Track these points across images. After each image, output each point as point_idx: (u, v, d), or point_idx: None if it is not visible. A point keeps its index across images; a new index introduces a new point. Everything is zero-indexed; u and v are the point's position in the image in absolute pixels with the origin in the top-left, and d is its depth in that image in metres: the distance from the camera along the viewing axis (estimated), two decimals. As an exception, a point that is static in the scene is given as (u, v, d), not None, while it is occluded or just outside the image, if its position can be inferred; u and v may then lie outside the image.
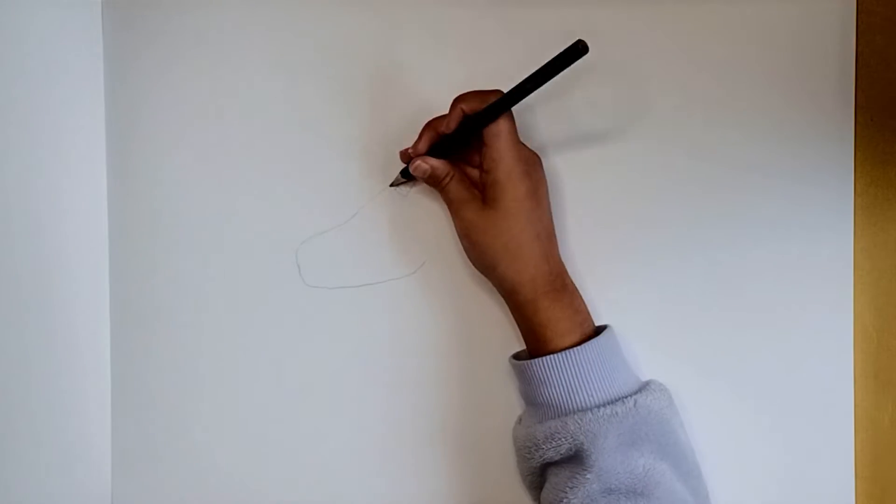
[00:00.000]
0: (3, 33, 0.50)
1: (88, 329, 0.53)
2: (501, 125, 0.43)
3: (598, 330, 0.45)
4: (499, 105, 0.43)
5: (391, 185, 0.50)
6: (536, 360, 0.43)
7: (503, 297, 0.46)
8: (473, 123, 0.44)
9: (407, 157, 0.48)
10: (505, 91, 0.43)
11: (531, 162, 0.45)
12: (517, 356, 0.47)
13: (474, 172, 0.47)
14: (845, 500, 0.47)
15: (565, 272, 0.46)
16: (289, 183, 0.52)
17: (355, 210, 0.51)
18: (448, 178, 0.46)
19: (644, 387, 0.45)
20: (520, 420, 0.47)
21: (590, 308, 0.46)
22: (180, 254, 0.53)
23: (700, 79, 0.49)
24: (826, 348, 0.48)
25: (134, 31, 0.53)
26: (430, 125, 0.47)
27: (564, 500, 0.41)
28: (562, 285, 0.45)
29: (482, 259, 0.45)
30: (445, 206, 0.48)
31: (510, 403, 0.50)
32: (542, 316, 0.44)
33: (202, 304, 0.52)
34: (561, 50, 0.39)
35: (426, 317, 0.51)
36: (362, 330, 0.51)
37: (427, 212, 0.50)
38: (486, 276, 0.47)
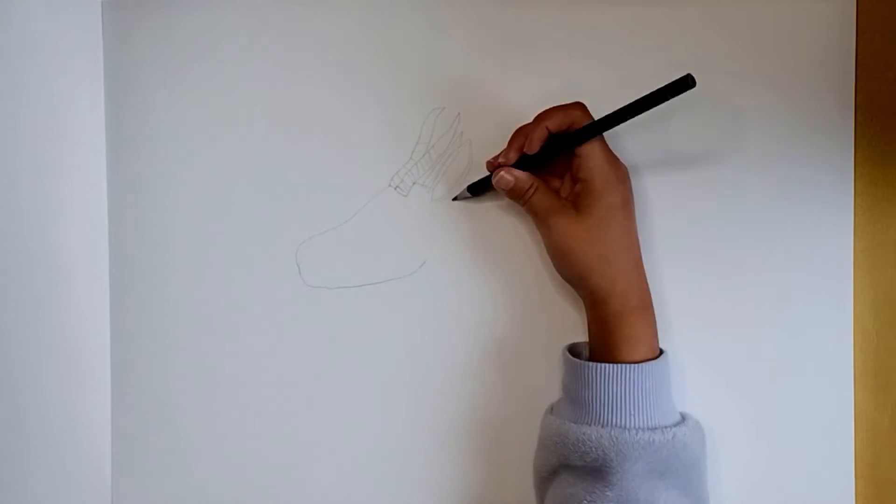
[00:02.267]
0: (3, 33, 0.50)
1: (88, 329, 0.53)
2: (598, 142, 0.43)
3: (657, 352, 0.45)
4: (592, 127, 0.43)
5: (454, 199, 0.50)
6: (600, 365, 0.43)
7: (589, 306, 0.45)
8: (560, 144, 0.44)
9: (492, 165, 0.47)
10: (584, 102, 0.44)
11: (623, 173, 0.45)
12: (573, 350, 0.47)
13: (556, 183, 0.47)
14: (845, 501, 0.47)
15: (647, 286, 0.45)
16: (289, 183, 0.52)
17: (355, 210, 0.51)
18: (532, 190, 0.45)
19: (683, 420, 0.44)
20: (551, 409, 0.47)
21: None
22: (180, 254, 0.53)
23: (700, 79, 0.49)
24: (826, 348, 0.48)
25: (134, 31, 0.53)
26: (520, 132, 0.46)
27: None
28: (648, 301, 0.44)
29: (575, 268, 0.44)
30: (455, 210, 0.48)
31: (511, 402, 0.50)
32: (627, 331, 0.43)
33: (202, 304, 0.52)
34: (673, 81, 0.40)
35: (426, 317, 0.51)
36: (362, 330, 0.51)
37: (427, 212, 0.50)
38: (574, 285, 0.45)
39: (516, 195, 0.46)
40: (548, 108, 0.44)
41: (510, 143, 0.46)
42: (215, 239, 0.52)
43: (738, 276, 0.48)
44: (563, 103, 0.44)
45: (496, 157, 0.47)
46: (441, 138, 0.50)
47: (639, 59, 0.49)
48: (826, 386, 0.48)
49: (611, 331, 0.43)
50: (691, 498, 0.42)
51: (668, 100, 0.40)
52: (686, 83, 0.39)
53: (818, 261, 0.48)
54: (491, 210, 0.50)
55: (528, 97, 0.50)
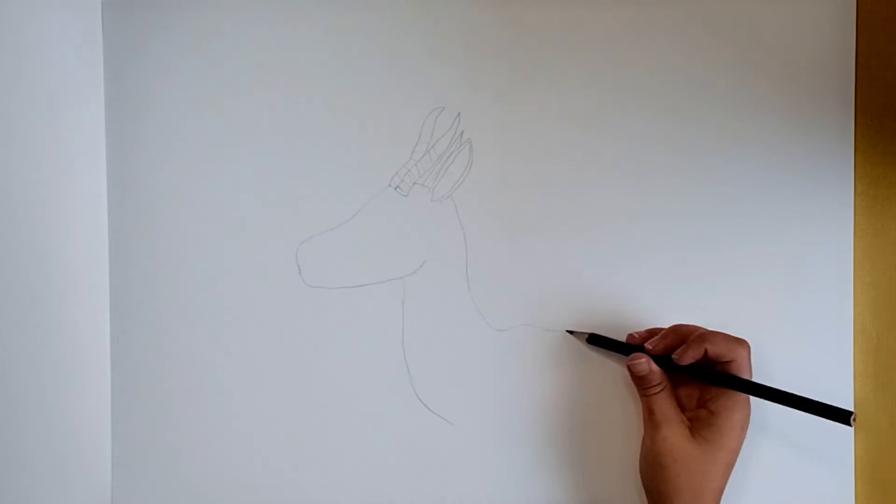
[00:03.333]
0: (3, 33, 0.50)
1: (88, 329, 0.53)
2: (750, 399, 0.43)
3: None
4: (744, 387, 0.43)
5: (588, 340, 0.49)
6: None
7: None
8: (710, 373, 0.44)
9: (636, 340, 0.47)
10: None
11: (747, 420, 0.44)
12: None
13: (681, 389, 0.46)
14: (845, 501, 0.47)
15: None
16: (289, 183, 0.52)
17: (355, 210, 0.51)
18: (658, 389, 0.45)
19: None
20: None
21: (588, 306, 0.46)
22: (180, 254, 0.53)
23: (700, 78, 0.49)
24: (826, 348, 0.48)
25: (134, 31, 0.53)
26: (677, 331, 0.45)
27: None
28: None
29: (659, 483, 0.43)
30: (450, 210, 0.48)
31: (512, 399, 0.50)
32: None
33: (202, 304, 0.52)
34: (833, 406, 0.41)
35: (426, 317, 0.51)
36: (362, 330, 0.51)
37: (427, 212, 0.50)
38: (646, 489, 0.45)
39: (641, 384, 0.45)
40: (716, 331, 0.44)
41: (665, 335, 0.45)
42: (215, 239, 0.52)
43: (737, 276, 0.48)
44: (733, 335, 0.44)
45: (642, 335, 0.47)
46: (441, 138, 0.50)
47: (639, 58, 0.49)
48: (826, 386, 0.48)
49: None
50: None
51: (820, 416, 0.42)
52: (845, 417, 0.41)
53: (818, 261, 0.48)
54: (491, 210, 0.50)
55: (528, 98, 0.50)
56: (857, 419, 0.46)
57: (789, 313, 0.48)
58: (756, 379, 0.48)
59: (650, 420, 0.45)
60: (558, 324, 0.49)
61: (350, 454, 0.51)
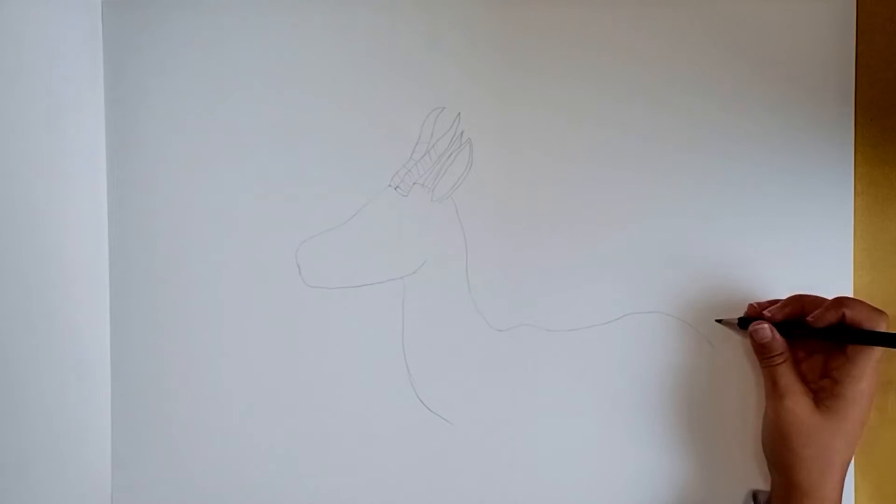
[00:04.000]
0: (3, 33, 0.50)
1: (88, 329, 0.53)
2: (877, 352, 0.42)
3: None
4: (888, 340, 0.41)
5: (717, 320, 0.48)
6: None
7: (779, 490, 0.44)
8: (848, 334, 0.42)
9: (756, 311, 0.46)
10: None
11: (875, 389, 0.43)
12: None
13: (805, 363, 0.45)
14: (845, 501, 0.47)
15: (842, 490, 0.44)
16: (289, 183, 0.52)
17: (355, 210, 0.51)
18: (781, 359, 0.44)
19: None
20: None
21: (594, 305, 0.46)
22: (180, 254, 0.53)
23: (700, 78, 0.49)
24: (826, 348, 0.48)
25: (134, 31, 0.53)
26: (798, 300, 0.45)
27: None
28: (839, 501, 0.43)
29: (785, 457, 0.43)
30: (450, 210, 0.48)
31: (513, 397, 0.50)
32: None
33: (202, 304, 0.52)
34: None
35: (426, 317, 0.51)
36: (362, 330, 0.51)
37: (427, 212, 0.50)
38: (772, 467, 0.45)
39: (764, 353, 0.45)
40: (855, 298, 0.43)
41: (785, 304, 0.45)
42: (215, 239, 0.52)
43: (737, 276, 0.48)
44: (873, 305, 0.42)
45: (762, 304, 0.46)
46: (441, 138, 0.50)
47: (638, 58, 0.49)
48: (826, 386, 0.48)
49: None
50: None
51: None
52: None
53: (818, 261, 0.48)
54: (491, 210, 0.50)
55: (528, 98, 0.50)
56: None
57: (789, 313, 0.48)
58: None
59: (773, 391, 0.44)
60: (558, 324, 0.49)
61: (350, 454, 0.51)
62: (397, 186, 0.51)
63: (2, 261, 0.50)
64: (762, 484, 0.48)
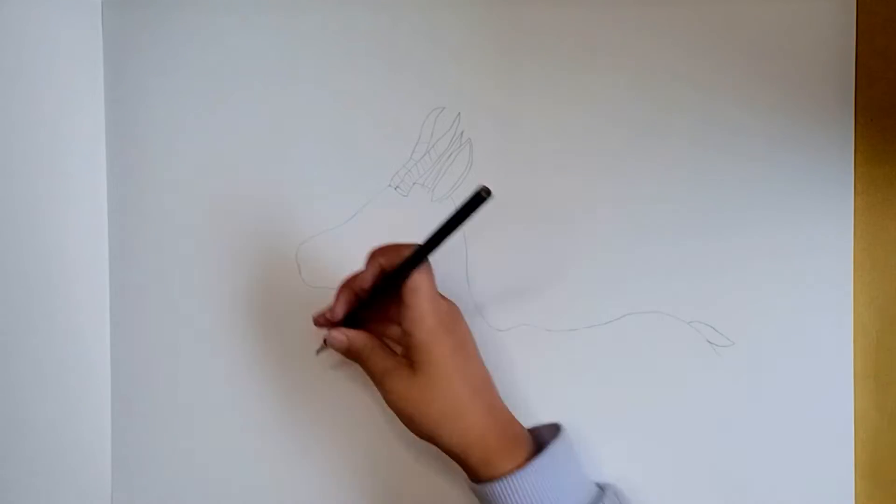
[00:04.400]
0: (3, 33, 0.50)
1: (88, 329, 0.53)
2: (419, 280, 0.40)
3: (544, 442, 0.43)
4: (414, 257, 0.40)
5: (317, 352, 0.48)
6: (487, 485, 0.41)
7: (454, 459, 0.42)
8: (391, 279, 0.41)
9: (323, 322, 0.45)
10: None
11: (452, 315, 0.43)
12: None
13: (395, 330, 0.44)
14: (845, 501, 0.47)
15: (512, 417, 0.43)
16: (289, 183, 0.52)
17: (355, 210, 0.51)
18: (367, 351, 0.43)
19: (596, 502, 0.42)
20: None
21: (594, 305, 0.46)
22: (180, 254, 0.53)
23: (700, 79, 0.49)
24: (826, 348, 0.48)
25: (134, 31, 0.53)
26: (346, 284, 0.44)
27: None
28: (513, 434, 0.42)
29: (421, 429, 0.41)
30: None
31: (513, 402, 0.50)
32: (500, 469, 0.41)
33: (202, 304, 0.52)
34: (468, 198, 0.38)
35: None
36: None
37: (427, 212, 0.50)
38: (431, 443, 0.42)
39: (353, 356, 0.44)
40: (386, 245, 0.42)
41: (337, 296, 0.44)
42: (215, 239, 0.52)
43: (737, 276, 0.48)
44: (400, 242, 0.42)
45: (321, 314, 0.45)
46: (441, 138, 0.50)
47: (638, 58, 0.49)
48: (826, 386, 0.48)
49: (483, 477, 0.41)
50: None
51: (470, 215, 0.38)
52: (481, 197, 0.37)
53: (818, 261, 0.48)
54: (491, 210, 0.50)
55: (528, 97, 0.50)
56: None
57: (789, 313, 0.48)
58: (755, 378, 0.48)
59: (374, 381, 0.42)
60: (558, 324, 0.49)
61: (350, 454, 0.51)
62: (397, 186, 0.51)
63: (1, 261, 0.50)
64: (759, 483, 0.48)
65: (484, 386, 0.43)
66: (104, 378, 0.53)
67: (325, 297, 0.51)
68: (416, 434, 0.42)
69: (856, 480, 0.47)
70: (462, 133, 0.50)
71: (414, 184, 0.51)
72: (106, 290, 0.53)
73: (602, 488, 0.44)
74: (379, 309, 0.44)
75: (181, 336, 0.53)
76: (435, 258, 0.51)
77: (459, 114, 0.50)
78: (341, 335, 0.43)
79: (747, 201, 0.48)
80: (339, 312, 0.44)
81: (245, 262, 0.52)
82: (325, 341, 0.45)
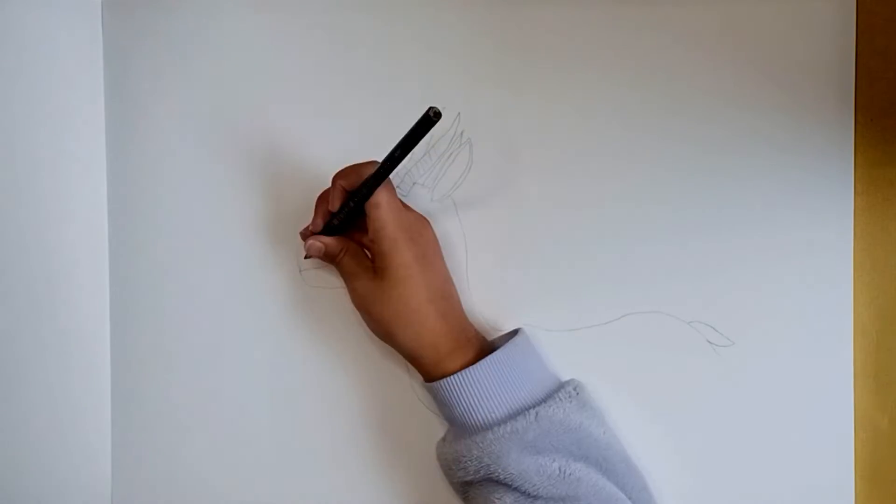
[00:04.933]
0: (3, 33, 0.50)
1: (88, 329, 0.53)
2: (380, 196, 0.43)
3: (504, 340, 0.46)
4: (373, 178, 0.43)
5: (300, 270, 0.51)
6: (437, 382, 0.44)
7: (410, 363, 0.46)
8: (356, 198, 0.44)
9: (306, 234, 0.48)
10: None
11: (417, 226, 0.45)
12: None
13: (368, 239, 0.46)
14: (845, 500, 0.47)
15: (469, 325, 0.46)
16: (289, 183, 0.52)
17: (355, 210, 0.51)
18: (342, 254, 0.46)
19: (552, 394, 0.44)
20: (443, 438, 0.47)
21: (594, 305, 0.47)
22: (180, 254, 0.53)
23: (700, 79, 0.49)
24: (826, 348, 0.48)
25: (134, 31, 0.53)
26: (322, 199, 0.47)
27: None
28: (465, 340, 0.45)
29: (378, 329, 0.45)
30: (450, 210, 0.48)
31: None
32: (446, 370, 0.44)
33: (202, 303, 0.52)
34: (418, 118, 0.40)
35: (426, 317, 0.51)
36: (362, 330, 0.51)
37: (427, 212, 0.50)
38: (388, 343, 0.46)
39: (329, 260, 0.47)
40: (346, 167, 0.45)
41: (316, 209, 0.48)
42: (215, 239, 0.52)
43: (737, 276, 0.48)
44: (359, 162, 0.45)
45: (306, 228, 0.48)
46: (441, 138, 0.50)
47: (638, 57, 0.49)
48: (826, 386, 0.48)
49: (438, 375, 0.44)
50: (586, 459, 0.43)
51: (423, 135, 0.40)
52: (430, 118, 0.39)
53: (818, 261, 0.48)
54: (491, 210, 0.50)
55: (528, 97, 0.50)
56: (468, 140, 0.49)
57: (789, 313, 0.48)
58: (755, 379, 0.48)
59: (345, 282, 0.47)
60: (558, 324, 0.49)
61: (350, 454, 0.51)
62: (397, 186, 0.51)
63: (2, 261, 0.50)
64: (759, 483, 0.48)
65: (441, 295, 0.45)
66: (104, 378, 0.53)
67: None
68: (375, 334, 0.47)
69: (856, 480, 0.47)
70: (462, 133, 0.50)
71: (414, 184, 0.51)
72: (106, 290, 0.53)
73: (564, 384, 0.46)
74: (356, 221, 0.46)
75: (181, 336, 0.53)
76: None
77: (459, 114, 0.50)
78: (318, 242, 0.46)
79: (747, 201, 0.48)
80: (319, 224, 0.47)
81: (245, 263, 0.52)
82: (305, 254, 0.48)
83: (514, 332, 0.47)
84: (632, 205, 0.49)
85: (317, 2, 0.51)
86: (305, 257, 0.48)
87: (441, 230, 0.50)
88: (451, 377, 0.43)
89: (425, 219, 0.47)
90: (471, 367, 0.43)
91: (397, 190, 0.51)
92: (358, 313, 0.47)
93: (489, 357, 0.43)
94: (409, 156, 0.47)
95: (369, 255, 0.47)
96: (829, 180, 0.48)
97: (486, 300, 0.50)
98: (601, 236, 0.49)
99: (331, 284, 0.51)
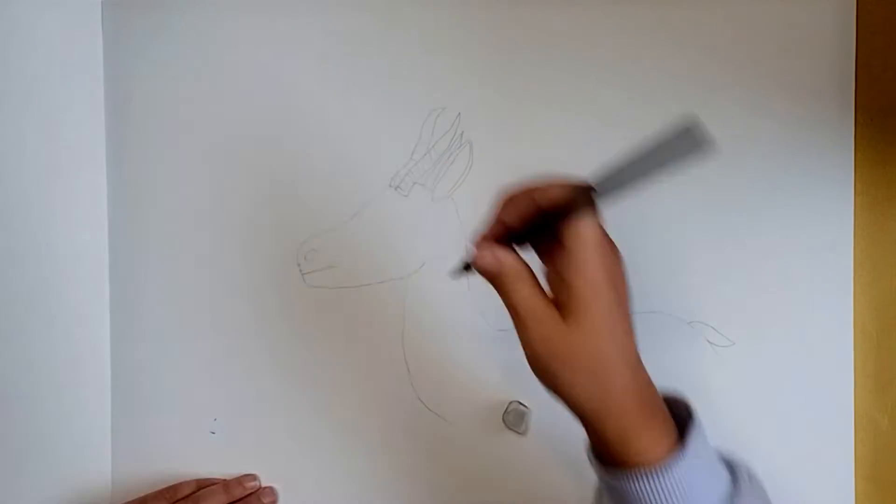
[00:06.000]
0: (3, 33, 0.50)
1: (89, 329, 0.53)
2: (586, 226, 0.35)
3: (681, 423, 0.38)
4: (583, 200, 0.35)
5: (453, 275, 0.40)
6: (630, 476, 0.35)
7: (580, 420, 0.37)
8: (551, 220, 0.36)
9: (480, 242, 0.39)
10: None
11: (615, 263, 0.37)
12: (599, 456, 0.38)
13: (548, 271, 0.38)
14: (845, 500, 0.47)
15: (654, 389, 0.38)
16: (289, 183, 0.52)
17: (355, 210, 0.51)
18: (519, 283, 0.36)
19: (736, 482, 0.37)
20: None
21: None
22: (180, 255, 0.53)
23: (700, 79, 0.49)
24: (826, 348, 0.48)
25: (134, 31, 0.53)
26: (512, 201, 0.38)
27: None
28: (652, 409, 0.36)
29: (557, 382, 0.36)
30: (450, 210, 0.48)
31: (507, 400, 0.50)
32: (633, 447, 0.35)
33: (203, 304, 0.52)
34: (672, 134, 0.32)
35: (426, 317, 0.51)
36: (362, 330, 0.51)
37: (427, 212, 0.50)
38: (557, 395, 0.37)
39: (499, 283, 0.37)
40: (548, 181, 0.37)
41: (499, 210, 0.38)
42: (215, 239, 0.52)
43: (737, 276, 0.48)
44: (571, 181, 0.36)
45: (481, 237, 0.38)
46: (441, 139, 0.50)
47: (639, 58, 0.49)
48: (826, 386, 0.48)
49: (615, 447, 0.36)
50: None
51: (676, 161, 0.33)
52: (693, 136, 0.31)
53: (818, 261, 0.48)
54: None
55: (528, 98, 0.50)
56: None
57: (789, 313, 0.48)
58: (755, 379, 0.48)
59: (517, 319, 0.36)
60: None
61: (350, 454, 0.51)
62: (397, 186, 0.51)
63: (1, 261, 0.50)
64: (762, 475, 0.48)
65: (632, 346, 0.37)
66: (104, 378, 0.53)
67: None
68: (548, 386, 0.37)
69: (856, 480, 0.47)
70: (462, 133, 0.50)
71: (414, 184, 0.51)
72: (106, 290, 0.53)
73: (732, 469, 0.38)
74: (538, 239, 0.38)
75: (181, 336, 0.53)
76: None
77: (459, 114, 0.50)
78: (492, 256, 0.37)
79: (747, 201, 0.48)
80: (498, 232, 0.38)
81: (245, 263, 0.52)
82: (465, 264, 0.39)
83: (681, 402, 0.40)
84: (632, 205, 0.49)
85: (317, 2, 0.51)
86: (457, 273, 0.39)
87: (441, 230, 0.50)
88: (659, 475, 0.34)
89: (618, 250, 0.39)
90: (677, 462, 0.35)
91: (397, 190, 0.51)
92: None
93: (689, 449, 0.35)
94: (409, 156, 0.47)
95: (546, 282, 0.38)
96: (829, 180, 0.48)
97: (486, 300, 0.50)
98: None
99: (331, 284, 0.51)
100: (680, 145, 0.32)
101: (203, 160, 0.52)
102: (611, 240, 0.38)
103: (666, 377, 0.48)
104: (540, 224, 0.36)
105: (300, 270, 0.52)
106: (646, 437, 0.36)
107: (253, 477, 0.51)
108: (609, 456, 0.36)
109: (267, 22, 0.52)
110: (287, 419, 0.52)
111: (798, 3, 0.48)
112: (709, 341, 0.49)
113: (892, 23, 0.48)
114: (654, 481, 0.35)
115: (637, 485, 0.35)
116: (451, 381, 0.50)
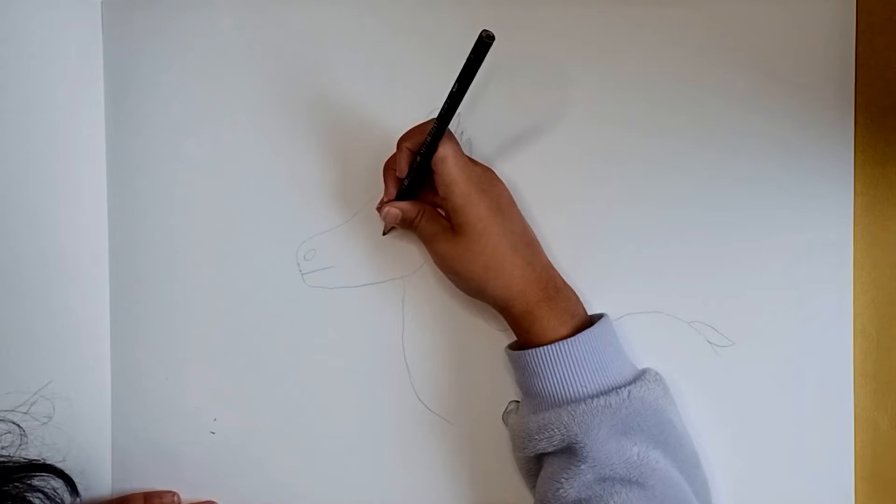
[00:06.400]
0: (4, 33, 0.50)
1: (88, 329, 0.53)
2: (445, 149, 0.43)
3: (594, 320, 0.45)
4: (435, 131, 0.43)
5: (384, 234, 0.51)
6: (530, 350, 0.43)
7: (499, 312, 0.46)
8: (422, 159, 0.44)
9: (381, 204, 0.48)
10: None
11: (485, 177, 0.45)
12: (512, 346, 0.47)
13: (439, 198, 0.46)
14: (845, 500, 0.47)
15: (555, 273, 0.46)
16: (289, 183, 0.52)
17: (355, 210, 0.51)
18: (419, 217, 0.46)
19: (639, 377, 0.44)
20: (515, 409, 0.48)
21: (588, 305, 0.47)
22: (180, 255, 0.53)
23: (700, 79, 0.49)
24: (826, 348, 0.48)
25: (134, 31, 0.53)
26: (389, 167, 0.47)
27: (560, 490, 0.42)
28: (554, 289, 0.45)
29: (468, 285, 0.45)
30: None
31: (507, 400, 0.50)
32: (539, 325, 0.44)
33: (202, 304, 0.52)
34: (470, 48, 0.39)
35: (426, 317, 0.51)
36: (362, 330, 0.51)
37: (427, 212, 0.51)
38: (478, 299, 0.47)
39: (407, 225, 0.47)
40: (410, 129, 0.45)
41: (385, 179, 0.48)
42: (215, 239, 0.52)
43: (738, 276, 0.48)
44: (420, 123, 0.45)
45: (379, 200, 0.48)
46: (441, 138, 0.50)
47: (639, 58, 0.49)
48: (826, 386, 0.48)
49: (524, 327, 0.44)
50: (664, 447, 0.43)
51: (479, 65, 0.40)
52: (483, 41, 0.38)
53: (818, 261, 0.48)
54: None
55: (528, 98, 0.50)
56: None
57: (789, 313, 0.48)
58: (755, 379, 0.48)
59: (426, 245, 0.47)
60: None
61: (349, 454, 0.51)
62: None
63: (2, 261, 0.50)
64: (759, 483, 0.48)
65: (524, 242, 0.45)
66: (104, 377, 0.53)
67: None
68: (465, 292, 0.47)
69: (856, 481, 0.47)
70: (462, 133, 0.50)
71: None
72: (106, 290, 0.53)
73: (645, 370, 0.46)
74: (425, 182, 0.46)
75: (181, 336, 0.53)
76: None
77: (459, 114, 0.50)
78: (394, 208, 0.47)
79: (747, 201, 0.48)
80: (392, 192, 0.47)
81: (245, 263, 0.52)
82: (385, 223, 0.49)
83: (596, 316, 0.47)
84: (632, 204, 0.49)
85: (317, 3, 0.51)
86: (385, 232, 0.49)
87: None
88: (548, 347, 0.43)
89: (491, 170, 0.46)
90: (568, 340, 0.42)
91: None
92: (443, 273, 0.47)
93: (587, 332, 0.43)
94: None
95: (444, 215, 0.47)
96: (829, 180, 0.48)
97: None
98: (601, 236, 0.49)
99: (331, 284, 0.51)
100: (477, 53, 0.39)
101: (203, 160, 0.52)
102: (471, 158, 0.46)
103: (666, 377, 0.49)
104: (420, 167, 0.44)
105: (300, 270, 0.52)
106: (549, 316, 0.44)
107: (173, 494, 0.52)
108: (526, 343, 0.44)
109: (267, 22, 0.52)
110: (287, 419, 0.52)
111: (798, 3, 0.48)
112: (709, 341, 0.48)
113: (892, 23, 0.48)
114: (552, 352, 0.42)
115: (537, 356, 0.43)
116: (451, 381, 0.50)
